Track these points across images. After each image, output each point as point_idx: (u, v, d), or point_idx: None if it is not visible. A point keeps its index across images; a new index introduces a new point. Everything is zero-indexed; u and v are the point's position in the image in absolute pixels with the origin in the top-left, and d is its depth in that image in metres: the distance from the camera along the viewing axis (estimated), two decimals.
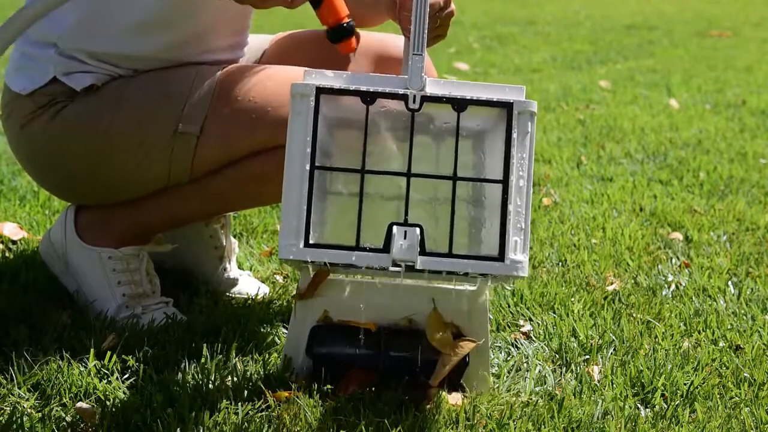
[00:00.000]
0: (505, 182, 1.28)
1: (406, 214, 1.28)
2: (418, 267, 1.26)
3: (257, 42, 1.85)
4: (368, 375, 1.46)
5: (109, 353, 1.52)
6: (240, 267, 2.03)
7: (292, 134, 1.30)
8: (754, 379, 1.61)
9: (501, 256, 1.27)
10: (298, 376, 1.48)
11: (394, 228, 1.26)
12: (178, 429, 1.34)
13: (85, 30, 1.62)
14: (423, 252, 1.27)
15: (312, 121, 1.29)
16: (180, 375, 1.49)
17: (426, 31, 1.32)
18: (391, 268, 1.33)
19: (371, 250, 1.27)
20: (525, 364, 1.63)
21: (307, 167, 1.27)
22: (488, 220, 1.30)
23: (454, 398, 1.48)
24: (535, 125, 1.31)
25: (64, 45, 1.62)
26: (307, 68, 1.66)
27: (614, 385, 1.56)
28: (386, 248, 1.27)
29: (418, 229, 1.26)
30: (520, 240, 1.28)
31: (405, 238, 1.26)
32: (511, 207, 1.27)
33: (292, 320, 1.46)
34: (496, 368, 1.61)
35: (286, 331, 1.70)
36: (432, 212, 1.31)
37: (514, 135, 1.29)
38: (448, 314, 1.42)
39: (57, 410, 1.39)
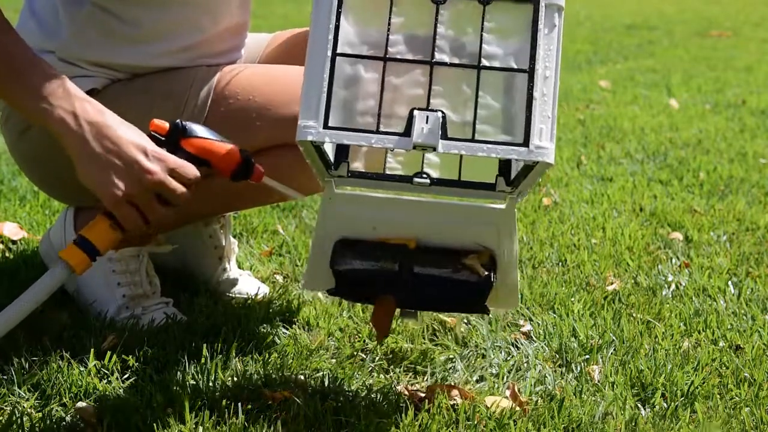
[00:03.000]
0: (531, 72, 1.28)
1: (429, 100, 1.28)
2: (439, 150, 1.25)
3: (255, 41, 1.85)
4: (388, 307, 1.44)
5: (109, 353, 1.52)
6: (240, 267, 2.03)
7: (316, 22, 1.29)
8: (754, 379, 1.61)
9: (526, 143, 1.27)
10: (327, 294, 1.46)
11: (416, 112, 1.26)
12: (178, 429, 1.34)
13: (81, 43, 1.61)
14: (445, 137, 1.27)
15: (336, 8, 1.29)
16: (180, 375, 1.49)
17: None
18: (416, 180, 1.34)
19: (392, 133, 1.27)
20: (525, 364, 1.63)
21: (329, 54, 1.28)
22: (517, 117, 1.29)
23: (454, 398, 1.48)
24: (562, 20, 1.31)
25: (61, 54, 1.62)
26: None
27: (614, 385, 1.56)
28: (408, 133, 1.27)
29: (440, 113, 1.26)
30: (546, 128, 1.27)
31: (427, 122, 1.26)
32: (536, 94, 1.27)
33: (315, 234, 1.44)
34: (496, 368, 1.61)
35: (286, 332, 1.70)
36: (458, 109, 1.30)
37: (541, 26, 1.29)
38: (478, 231, 1.42)
39: (57, 410, 1.39)
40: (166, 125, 1.41)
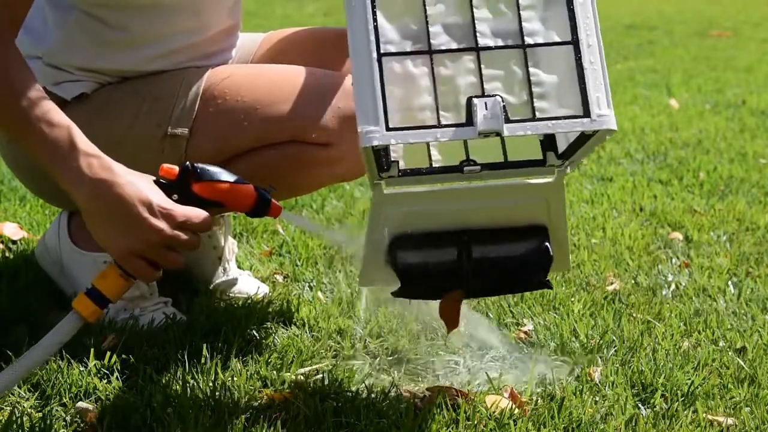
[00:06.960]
0: (575, 42, 1.28)
1: (483, 86, 1.27)
2: (505, 134, 1.24)
3: (249, 42, 1.84)
4: (455, 297, 1.42)
5: (109, 353, 1.52)
6: (240, 267, 2.02)
7: (352, 24, 1.27)
8: (754, 379, 1.61)
9: (587, 113, 1.26)
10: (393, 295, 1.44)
11: (474, 100, 1.24)
12: (178, 429, 1.34)
13: (69, 47, 1.60)
14: (507, 120, 1.26)
15: (371, 8, 1.27)
16: (180, 375, 1.49)
17: None
18: (467, 168, 1.33)
19: (455, 125, 1.26)
20: (525, 364, 1.63)
21: (374, 55, 1.26)
22: (571, 88, 1.28)
23: (454, 398, 1.48)
24: None
25: (50, 60, 1.61)
26: (296, 66, 1.65)
27: (614, 385, 1.56)
28: (469, 122, 1.25)
29: (498, 97, 1.25)
30: (602, 96, 1.26)
31: (486, 108, 1.25)
32: (585, 64, 1.27)
33: (367, 237, 1.42)
34: (496, 368, 1.61)
35: (286, 332, 1.70)
36: (513, 90, 1.29)
37: None
38: (528, 207, 1.42)
39: (57, 410, 1.39)
40: (176, 170, 1.39)
